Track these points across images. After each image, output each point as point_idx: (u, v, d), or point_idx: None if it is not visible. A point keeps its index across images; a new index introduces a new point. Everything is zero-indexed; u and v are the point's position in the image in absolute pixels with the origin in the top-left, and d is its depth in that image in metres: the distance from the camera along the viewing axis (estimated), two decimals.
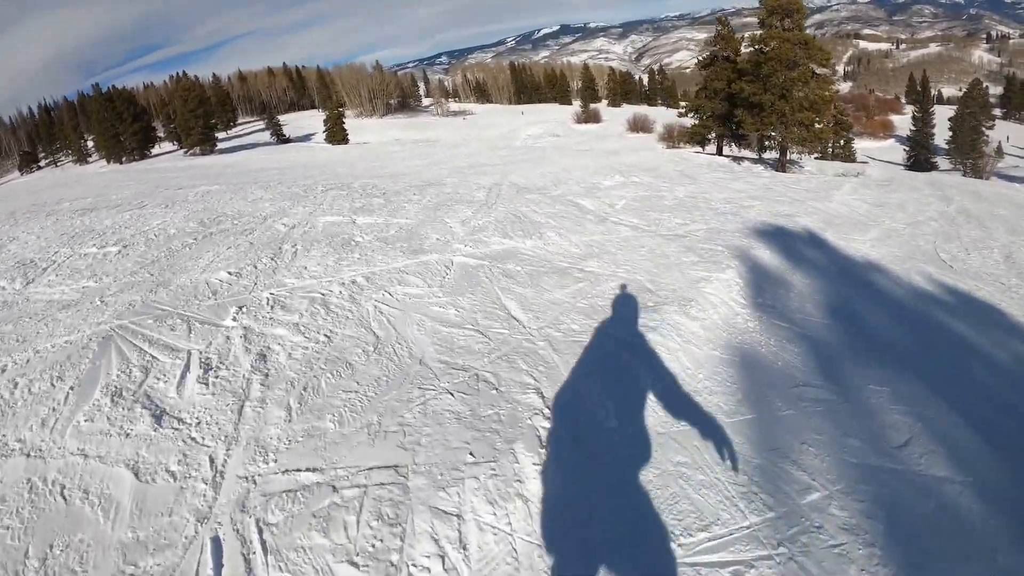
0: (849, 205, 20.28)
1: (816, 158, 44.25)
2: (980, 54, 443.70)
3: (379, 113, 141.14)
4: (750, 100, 37.92)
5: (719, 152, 46.53)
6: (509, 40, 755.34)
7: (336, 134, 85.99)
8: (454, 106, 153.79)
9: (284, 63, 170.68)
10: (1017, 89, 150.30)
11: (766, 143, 40.40)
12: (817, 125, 37.12)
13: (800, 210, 18.06)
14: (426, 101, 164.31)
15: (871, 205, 20.45)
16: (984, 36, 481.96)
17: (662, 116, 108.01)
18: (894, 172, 38.92)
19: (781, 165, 37.95)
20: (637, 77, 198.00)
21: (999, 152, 73.57)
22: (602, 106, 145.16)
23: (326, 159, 45.60)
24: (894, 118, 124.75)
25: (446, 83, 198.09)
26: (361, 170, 29.12)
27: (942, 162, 76.80)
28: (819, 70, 37.13)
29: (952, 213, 19.43)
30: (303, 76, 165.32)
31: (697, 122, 47.33)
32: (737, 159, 41.19)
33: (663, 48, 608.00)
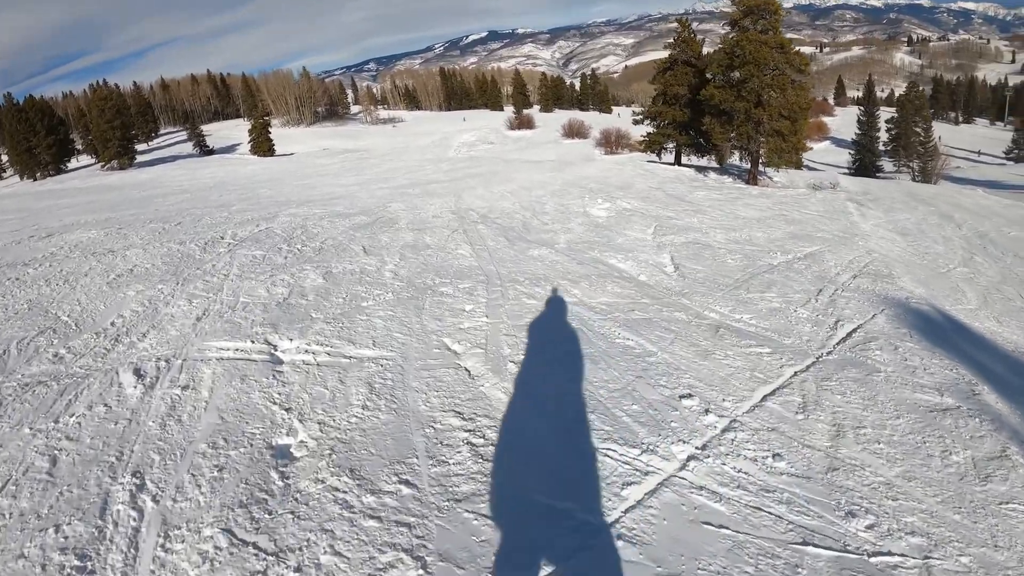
0: (888, 239, 17.12)
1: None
2: (902, 56, 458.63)
3: (307, 121, 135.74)
4: (720, 107, 34.35)
5: (677, 161, 43.27)
6: (438, 46, 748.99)
7: (261, 145, 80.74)
8: (383, 113, 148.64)
9: (208, 70, 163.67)
10: (944, 90, 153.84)
11: (737, 153, 36.96)
12: (794, 135, 33.66)
13: (884, 266, 13.62)
14: (355, 108, 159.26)
15: (900, 236, 17.65)
16: (905, 39, 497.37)
17: (596, 121, 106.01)
18: (864, 183, 35.99)
19: (752, 177, 34.75)
20: (568, 82, 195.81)
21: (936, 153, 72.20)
22: (534, 111, 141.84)
23: (249, 175, 40.56)
24: (826, 120, 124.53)
25: (375, 90, 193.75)
26: (288, 193, 24.89)
27: (885, 164, 76.26)
28: (796, 76, 33.77)
29: (975, 241, 18.03)
30: (228, 84, 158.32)
31: (655, 130, 43.64)
32: (701, 170, 38.04)
33: (591, 53, 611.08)
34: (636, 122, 46.14)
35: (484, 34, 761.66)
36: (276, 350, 7.36)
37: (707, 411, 6.25)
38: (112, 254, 11.16)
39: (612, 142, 76.83)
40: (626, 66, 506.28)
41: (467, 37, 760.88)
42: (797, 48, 34.76)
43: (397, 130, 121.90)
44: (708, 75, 38.61)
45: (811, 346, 8.18)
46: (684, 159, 43.67)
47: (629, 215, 17.86)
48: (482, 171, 32.61)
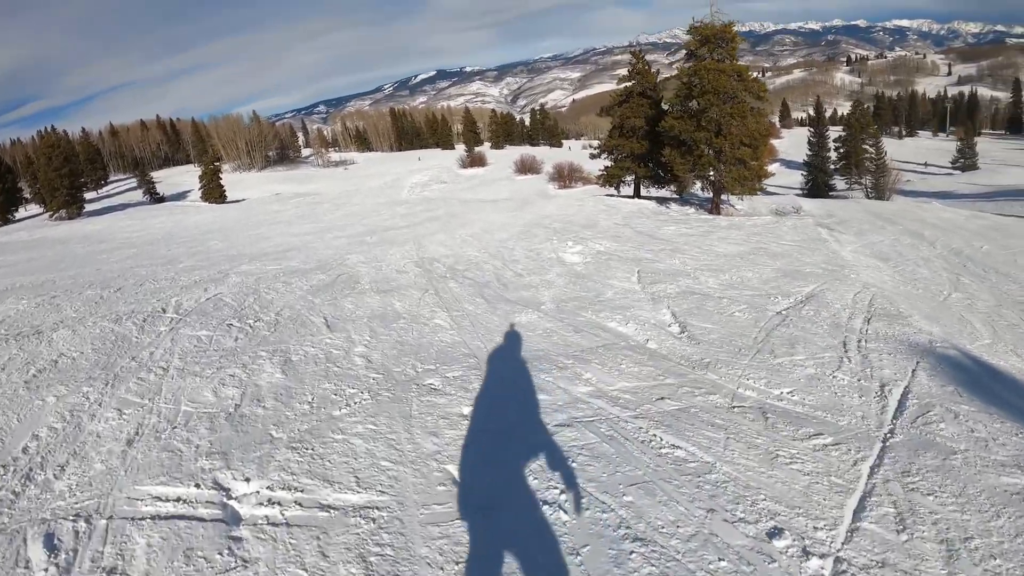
0: (874, 267, 16.54)
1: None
2: (842, 76, 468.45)
3: (258, 166, 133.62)
4: (680, 138, 33.46)
5: (637, 194, 42.48)
6: (387, 87, 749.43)
7: (213, 191, 78.87)
8: (335, 155, 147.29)
9: (158, 116, 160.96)
10: (886, 106, 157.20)
11: (699, 183, 36.11)
12: (754, 162, 33.01)
13: (887, 302, 12.77)
14: (306, 152, 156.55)
15: (883, 263, 17.32)
16: (844, 59, 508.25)
17: (547, 156, 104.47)
18: (825, 205, 35.52)
19: (715, 206, 33.88)
20: (518, 118, 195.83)
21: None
22: (485, 148, 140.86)
23: (200, 224, 38.88)
24: (774, 142, 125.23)
25: (326, 132, 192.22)
26: (239, 244, 23.73)
27: (838, 183, 76.33)
28: (755, 103, 33.09)
29: (954, 259, 18.02)
30: (178, 129, 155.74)
31: (612, 163, 42.79)
32: (662, 202, 37.30)
33: (538, 88, 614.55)
34: (593, 156, 45.31)
35: (432, 73, 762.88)
36: (230, 498, 5.39)
37: (806, 552, 4.80)
38: (38, 337, 9.55)
39: (566, 176, 75.77)
40: (573, 99, 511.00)
41: (416, 77, 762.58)
42: (754, 75, 34.20)
43: (349, 172, 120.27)
44: (665, 106, 38.03)
45: (870, 425, 6.98)
46: (643, 191, 42.88)
47: (606, 260, 16.81)
48: (440, 214, 31.55)
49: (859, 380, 8.25)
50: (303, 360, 8.72)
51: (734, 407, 7.40)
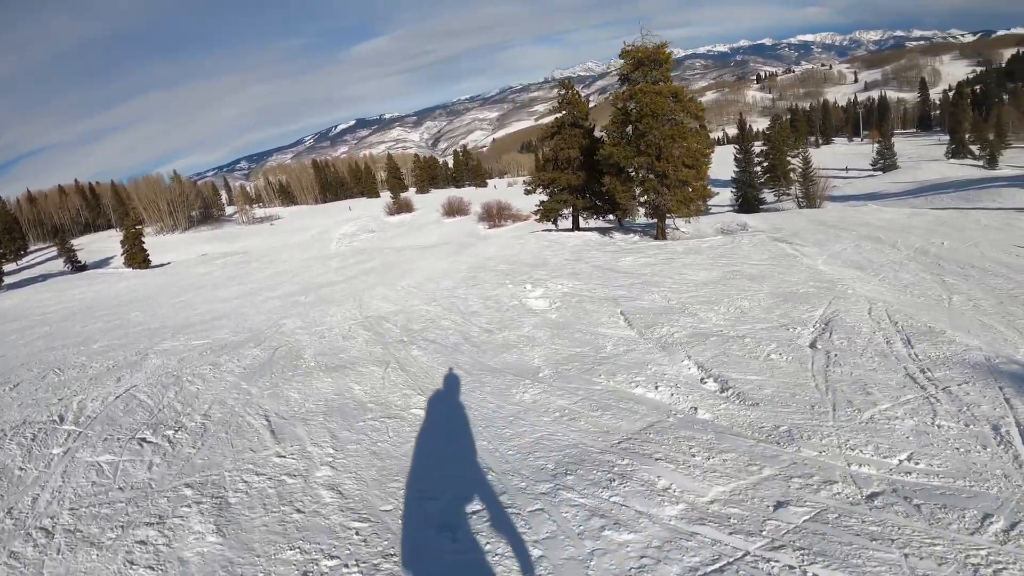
0: (860, 279, 15.82)
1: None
2: (753, 93, 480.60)
3: (181, 227, 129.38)
4: (619, 165, 32.04)
5: (575, 226, 40.97)
6: (307, 139, 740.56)
7: (136, 256, 74.62)
8: (259, 212, 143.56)
9: (76, 180, 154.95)
10: (801, 117, 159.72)
11: (642, 209, 34.69)
12: (698, 182, 31.71)
13: (906, 318, 11.83)
14: (230, 209, 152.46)
15: (862, 272, 16.98)
16: (754, 77, 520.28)
17: (473, 196, 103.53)
18: (767, 219, 34.62)
19: (661, 231, 32.54)
20: (441, 161, 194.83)
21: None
22: (411, 194, 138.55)
23: (120, 294, 35.28)
24: None
25: (249, 188, 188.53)
26: (163, 315, 21.21)
27: (767, 196, 76.08)
28: (693, 123, 31.80)
29: (925, 261, 18.07)
30: (97, 193, 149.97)
31: (548, 197, 41.06)
32: (603, 232, 35.93)
33: (458, 131, 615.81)
34: (528, 192, 43.49)
35: (352, 122, 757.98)
36: None
37: None
38: None
39: (495, 215, 74.73)
40: (493, 139, 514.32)
41: (336, 127, 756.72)
42: (690, 96, 33.01)
43: (275, 228, 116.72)
44: (599, 134, 36.78)
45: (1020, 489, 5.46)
46: (582, 222, 41.44)
47: (578, 302, 15.19)
48: (375, 265, 29.63)
49: (966, 425, 6.94)
50: (246, 502, 6.16)
51: (870, 498, 5.58)
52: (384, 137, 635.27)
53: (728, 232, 30.53)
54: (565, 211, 40.50)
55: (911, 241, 21.38)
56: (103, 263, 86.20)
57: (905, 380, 8.42)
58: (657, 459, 6.57)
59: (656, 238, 31.67)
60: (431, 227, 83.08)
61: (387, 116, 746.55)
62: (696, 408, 8.06)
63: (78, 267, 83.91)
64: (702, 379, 9.16)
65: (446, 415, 8.57)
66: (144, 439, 8.02)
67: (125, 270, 72.07)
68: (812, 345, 10.30)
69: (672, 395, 8.58)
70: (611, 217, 40.60)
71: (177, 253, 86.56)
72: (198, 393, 9.99)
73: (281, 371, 11.10)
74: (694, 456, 6.60)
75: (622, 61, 32.83)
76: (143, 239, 78.62)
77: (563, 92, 40.39)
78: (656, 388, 8.85)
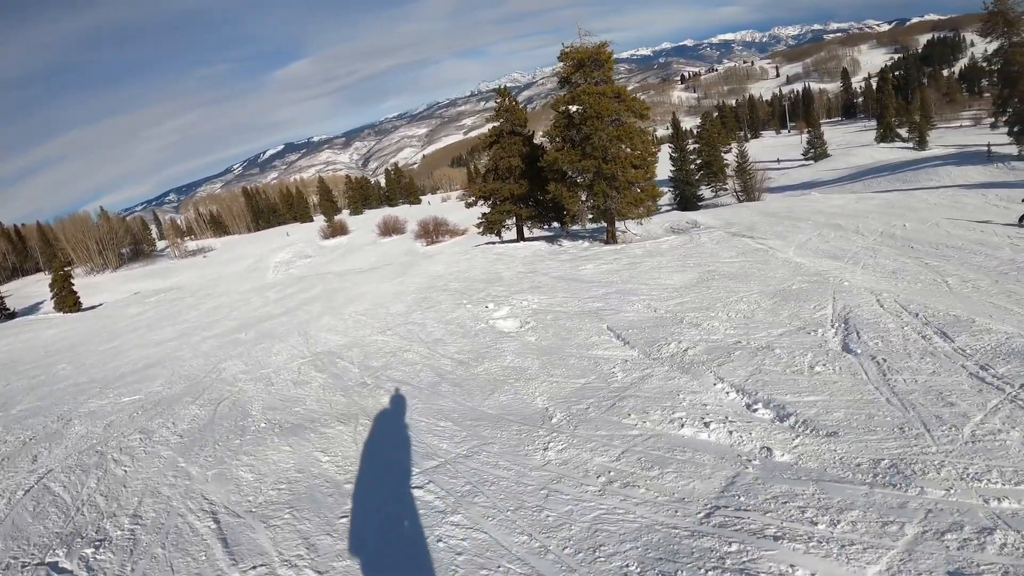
0: (846, 269, 15.27)
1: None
2: (678, 94, 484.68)
3: (112, 266, 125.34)
4: (564, 171, 30.86)
5: (520, 237, 39.66)
6: (236, 167, 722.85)
7: (66, 299, 71.04)
8: (192, 244, 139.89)
9: (0, 223, 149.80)
10: (729, 113, 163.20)
11: (591, 214, 33.56)
12: (644, 183, 30.64)
13: (926, 308, 11.07)
14: (161, 244, 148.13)
15: (839, 262, 16.64)
16: (678, 78, 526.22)
17: (408, 214, 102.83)
18: (715, 215, 33.89)
19: (611, 235, 31.41)
20: (373, 180, 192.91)
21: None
22: (344, 216, 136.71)
23: (49, 343, 32.07)
24: None
25: (179, 221, 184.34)
26: (91, 366, 19.26)
27: (705, 192, 77.02)
28: (638, 123, 30.71)
29: (897, 245, 18.08)
30: (23, 235, 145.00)
31: (491, 209, 39.47)
32: (551, 240, 34.84)
33: (387, 149, 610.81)
34: (469, 205, 41.89)
35: (281, 147, 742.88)
36: None
37: None
38: None
39: (432, 232, 74.38)
40: (424, 155, 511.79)
41: (265, 153, 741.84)
42: (634, 95, 31.92)
43: (209, 260, 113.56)
44: (540, 140, 36.00)
45: None
46: (526, 232, 40.26)
47: (553, 320, 13.85)
48: (317, 292, 27.86)
49: None
50: None
51: None
52: (314, 160, 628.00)
53: (680, 231, 29.72)
54: (509, 222, 39.14)
55: (872, 226, 21.38)
56: (33, 309, 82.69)
57: (975, 382, 7.45)
58: (774, 536, 4.94)
59: (607, 242, 30.59)
60: (368, 248, 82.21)
61: (315, 139, 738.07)
62: (769, 449, 6.57)
63: (7, 315, 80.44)
64: (749, 406, 7.75)
65: (455, 496, 6.43)
66: (55, 565, 6.09)
67: (55, 316, 69.03)
68: (847, 349, 9.26)
69: (731, 433, 7.05)
70: (555, 225, 39.46)
71: (109, 293, 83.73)
72: (126, 479, 8.06)
73: (226, 437, 9.29)
74: (815, 524, 5.04)
75: (561, 64, 31.63)
76: (72, 281, 75.62)
77: (500, 100, 38.92)
78: (706, 426, 7.30)
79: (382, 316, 17.59)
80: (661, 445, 7.03)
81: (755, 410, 7.62)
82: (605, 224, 32.50)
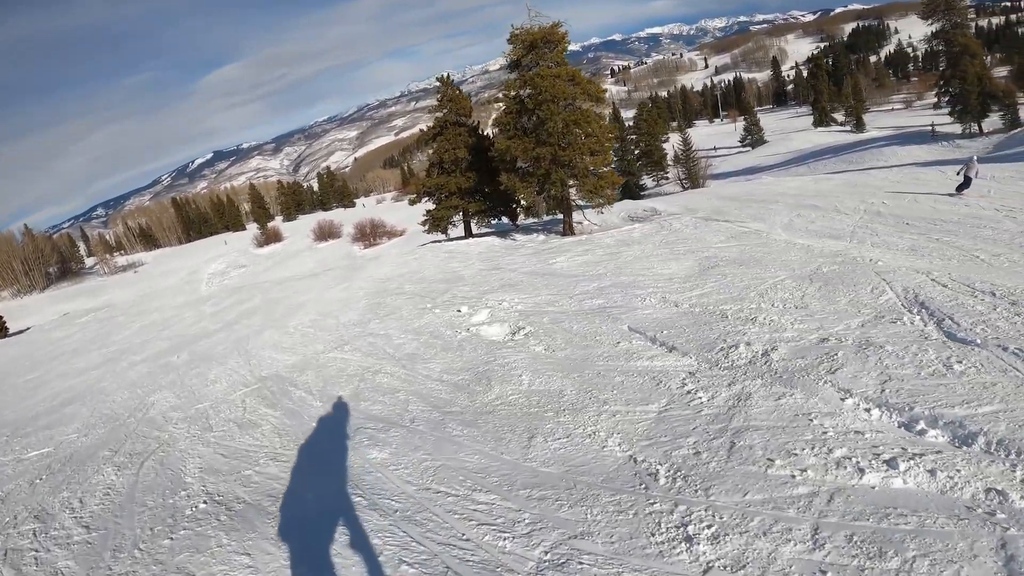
0: (863, 246, 13.80)
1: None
2: (609, 87, 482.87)
3: (39, 286, 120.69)
4: (515, 161, 28.82)
5: (468, 233, 37.40)
6: (164, 177, 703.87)
7: None
8: (121, 260, 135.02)
9: None
10: (662, 104, 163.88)
11: (544, 206, 31.58)
12: (603, 169, 29.03)
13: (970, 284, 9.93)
14: (90, 261, 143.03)
15: (840, 240, 15.43)
16: (608, 72, 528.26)
17: (344, 218, 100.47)
18: (674, 201, 32.13)
19: (568, 226, 29.46)
20: (306, 185, 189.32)
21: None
22: (278, 222, 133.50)
23: (31, 356, 29.26)
24: None
25: (108, 236, 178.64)
26: (10, 415, 15.97)
27: (647, 182, 77.14)
28: (594, 107, 28.77)
29: (891, 222, 17.00)
30: None
31: (435, 206, 36.87)
32: (503, 235, 32.57)
33: (318, 153, 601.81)
34: (413, 202, 39.35)
35: (209, 156, 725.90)
36: None
37: None
38: None
39: (369, 234, 73.33)
40: (355, 158, 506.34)
41: (193, 162, 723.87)
42: (588, 77, 29.94)
43: (139, 275, 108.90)
44: (489, 130, 33.15)
45: None
46: (472, 228, 38.19)
47: (552, 323, 11.68)
48: (256, 303, 25.38)
49: None
50: None
51: None
52: (244, 168, 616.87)
53: (642, 219, 27.86)
54: (456, 218, 36.70)
55: (848, 204, 20.50)
56: None
57: None
58: None
59: (564, 234, 28.69)
60: (305, 254, 79.55)
61: (245, 146, 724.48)
62: (1001, 492, 4.54)
63: None
64: (910, 427, 5.79)
65: None
66: None
67: None
68: (957, 338, 7.68)
69: (931, 474, 4.97)
70: (504, 220, 37.57)
71: (37, 316, 78.71)
72: None
73: (151, 531, 6.50)
74: None
75: (510, 47, 29.42)
76: None
77: (443, 89, 36.30)
78: (889, 466, 5.16)
79: (333, 327, 15.37)
80: (856, 509, 4.77)
81: (922, 432, 5.63)
82: (561, 216, 30.70)
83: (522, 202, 31.69)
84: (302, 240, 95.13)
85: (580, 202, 30.19)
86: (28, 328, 66.31)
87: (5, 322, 69.53)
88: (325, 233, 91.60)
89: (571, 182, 27.88)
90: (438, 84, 36.33)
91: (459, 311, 13.75)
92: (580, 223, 30.04)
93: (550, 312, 12.48)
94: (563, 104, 27.60)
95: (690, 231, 19.90)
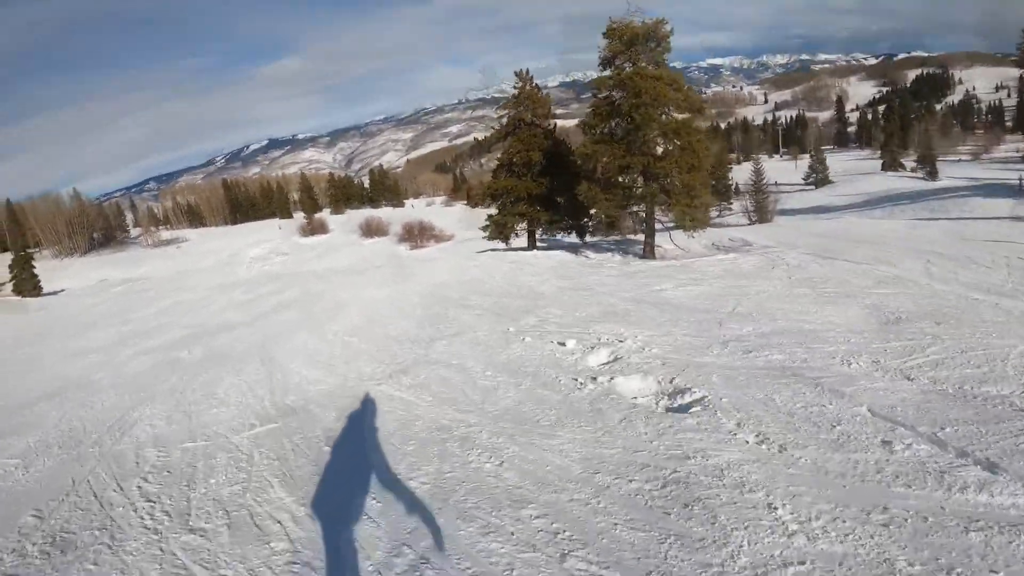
0: None
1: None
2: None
3: (81, 251, 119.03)
4: (595, 169, 25.40)
5: (532, 244, 33.77)
6: (219, 159, 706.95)
7: (25, 282, 66.05)
8: (165, 234, 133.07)
9: None
10: (721, 135, 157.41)
11: (629, 223, 28.10)
12: (703, 188, 25.35)
13: None
14: (135, 231, 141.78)
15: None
16: None
17: (392, 217, 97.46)
18: (758, 233, 28.42)
19: (650, 248, 25.82)
20: (357, 181, 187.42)
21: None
22: (325, 214, 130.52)
23: (38, 329, 26.02)
24: None
25: (156, 210, 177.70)
26: (30, 376, 14.03)
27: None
28: (693, 119, 25.29)
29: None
30: None
31: (497, 212, 33.37)
32: (575, 250, 28.72)
33: (371, 151, 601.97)
34: (474, 205, 36.07)
35: (265, 143, 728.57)
36: None
37: None
38: None
39: (416, 235, 70.75)
40: (407, 160, 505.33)
41: (248, 147, 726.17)
42: (688, 85, 26.31)
43: (181, 251, 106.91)
44: (587, 129, 29.25)
45: None
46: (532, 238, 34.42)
47: (727, 385, 7.44)
48: (293, 295, 22.19)
49: None
50: None
51: None
52: (297, 158, 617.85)
53: (732, 249, 24.14)
54: (519, 226, 33.02)
55: (980, 256, 16.26)
56: None
57: None
58: None
59: (644, 256, 25.14)
60: (350, 248, 76.59)
61: (300, 136, 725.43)
62: None
63: None
64: None
65: None
66: None
67: (11, 300, 63.00)
68: None
69: None
70: (557, 235, 34.30)
71: (75, 279, 77.02)
72: None
73: None
74: None
75: (605, 42, 25.87)
76: (34, 264, 69.87)
77: (519, 84, 32.95)
78: None
79: (382, 340, 12.01)
80: None
81: None
82: (629, 236, 27.29)
83: (601, 216, 27.93)
84: (347, 234, 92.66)
85: (664, 222, 26.62)
86: (63, 290, 64.28)
87: (40, 281, 67.69)
88: (372, 229, 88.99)
89: (663, 199, 24.27)
90: (496, 96, 32.96)
91: (561, 344, 10.12)
92: (660, 246, 26.53)
93: (710, 365, 8.48)
94: (660, 111, 24.01)
95: (815, 268, 16.24)
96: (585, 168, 25.79)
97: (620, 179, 25.61)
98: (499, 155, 34.13)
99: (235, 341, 14.36)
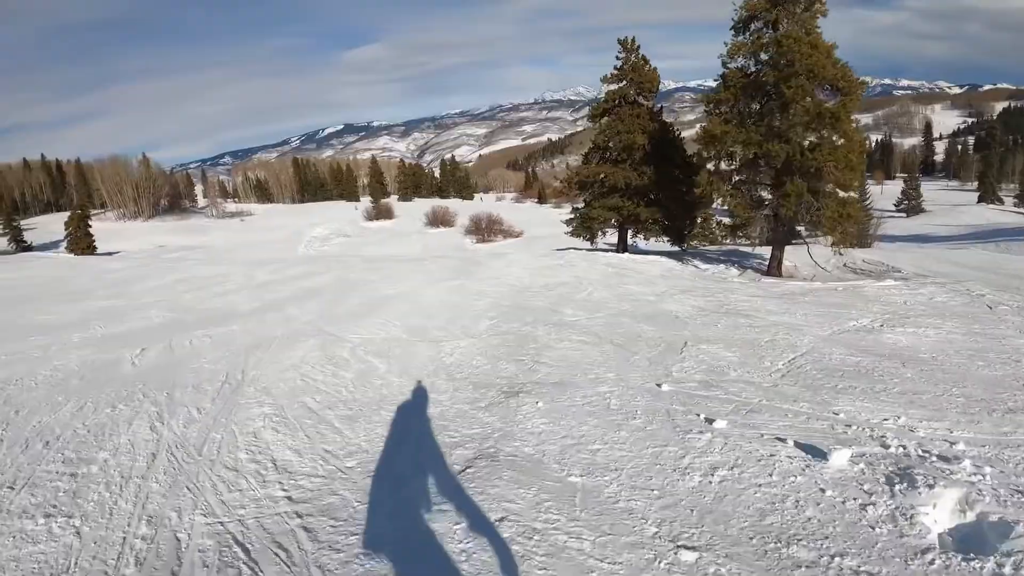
0: None
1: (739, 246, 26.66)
2: None
3: (145, 215, 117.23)
4: (719, 157, 20.12)
5: (624, 246, 28.19)
6: (294, 139, 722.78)
7: (80, 241, 64.82)
8: (231, 207, 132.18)
9: (43, 155, 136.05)
10: None
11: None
12: (851, 194, 20.16)
13: None
14: (203, 202, 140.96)
15: None
16: None
17: (459, 208, 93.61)
18: (905, 260, 22.75)
19: (778, 264, 20.54)
20: (428, 170, 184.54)
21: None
22: (392, 200, 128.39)
23: (37, 288, 20.85)
24: None
25: (227, 183, 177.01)
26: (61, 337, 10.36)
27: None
28: (849, 104, 18.92)
29: None
30: (63, 171, 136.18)
31: (585, 204, 28.06)
32: (679, 258, 23.40)
33: (445, 144, 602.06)
34: (562, 192, 30.80)
35: (340, 127, 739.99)
36: None
37: None
38: None
39: (483, 229, 67.20)
40: (480, 155, 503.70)
41: (324, 130, 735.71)
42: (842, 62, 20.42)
43: (245, 224, 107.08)
44: (708, 109, 23.04)
45: None
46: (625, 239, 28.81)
47: None
48: (323, 283, 17.29)
49: None
50: None
51: None
52: (371, 144, 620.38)
53: (873, 274, 19.19)
54: (610, 225, 27.49)
55: None
56: (53, 245, 74.93)
57: None
58: None
59: (768, 273, 19.89)
60: (414, 236, 72.94)
61: (375, 124, 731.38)
62: None
63: (23, 247, 74.23)
64: None
65: None
66: None
67: (65, 257, 60.29)
68: None
69: None
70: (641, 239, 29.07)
71: (132, 243, 76.53)
72: None
73: None
74: None
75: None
76: (89, 224, 69.01)
77: (624, 54, 27.09)
78: None
79: (429, 375, 7.46)
80: None
81: None
82: (751, 241, 22.04)
83: (724, 219, 22.63)
84: (413, 222, 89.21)
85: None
86: (119, 251, 61.54)
87: (94, 240, 65.08)
88: (438, 219, 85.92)
89: (811, 200, 18.66)
90: (572, 98, 27.61)
91: (779, 442, 4.70)
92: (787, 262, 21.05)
93: None
94: (818, 88, 18.48)
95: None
96: (708, 156, 20.25)
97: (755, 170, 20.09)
98: (593, 136, 28.25)
99: (213, 344, 9.50)
